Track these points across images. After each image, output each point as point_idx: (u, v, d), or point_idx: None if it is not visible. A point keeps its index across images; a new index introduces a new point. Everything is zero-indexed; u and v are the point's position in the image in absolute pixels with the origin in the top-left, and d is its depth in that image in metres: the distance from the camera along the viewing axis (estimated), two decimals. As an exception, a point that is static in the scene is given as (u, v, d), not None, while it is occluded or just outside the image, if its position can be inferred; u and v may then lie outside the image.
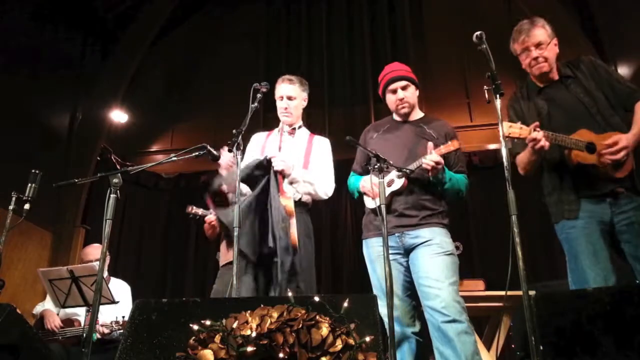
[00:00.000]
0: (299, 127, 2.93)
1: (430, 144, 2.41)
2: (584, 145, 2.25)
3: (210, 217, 3.13)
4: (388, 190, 2.41)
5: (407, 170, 2.42)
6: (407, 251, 2.44)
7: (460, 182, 2.54)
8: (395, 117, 2.74)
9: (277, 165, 2.52)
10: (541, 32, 2.40)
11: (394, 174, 2.46)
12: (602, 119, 2.30)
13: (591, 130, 2.27)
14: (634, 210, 2.19)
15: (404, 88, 2.63)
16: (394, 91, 2.64)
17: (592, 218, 2.25)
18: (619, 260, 2.24)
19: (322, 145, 2.91)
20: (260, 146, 2.89)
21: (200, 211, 3.39)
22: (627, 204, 2.21)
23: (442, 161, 2.39)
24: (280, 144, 2.84)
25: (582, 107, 2.34)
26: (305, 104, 2.97)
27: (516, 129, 2.23)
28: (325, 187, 2.77)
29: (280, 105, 2.84)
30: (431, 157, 2.37)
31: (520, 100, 2.53)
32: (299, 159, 2.76)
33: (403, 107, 2.64)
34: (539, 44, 2.39)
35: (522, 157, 2.43)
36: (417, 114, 2.72)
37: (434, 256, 2.33)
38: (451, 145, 2.43)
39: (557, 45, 2.45)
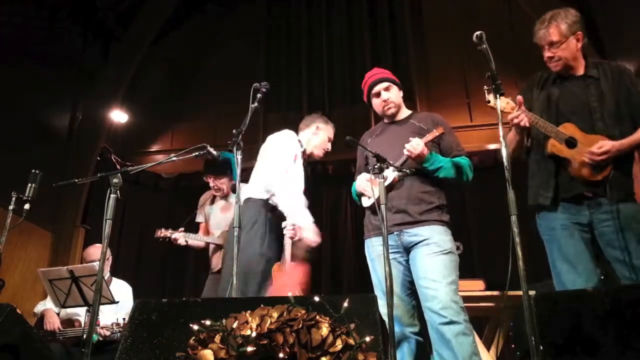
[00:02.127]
0: None
1: (410, 139, 2.44)
2: (564, 137, 2.24)
3: (177, 236, 3.78)
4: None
5: (407, 171, 2.42)
6: (407, 250, 2.43)
7: (461, 165, 2.51)
8: (385, 120, 2.78)
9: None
10: (554, 31, 2.34)
11: (387, 171, 2.47)
12: (603, 127, 2.25)
13: (579, 128, 2.25)
14: (610, 212, 2.17)
15: (386, 89, 2.67)
16: (378, 94, 2.68)
17: (570, 220, 2.24)
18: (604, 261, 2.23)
19: None
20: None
21: (169, 233, 3.85)
22: (604, 206, 2.19)
23: (422, 147, 2.39)
24: None
25: (588, 110, 2.30)
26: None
27: (502, 102, 2.23)
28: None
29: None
30: (409, 144, 2.41)
31: (533, 89, 2.49)
32: None
33: (389, 108, 2.67)
34: (552, 43, 2.35)
35: (509, 135, 2.43)
36: (405, 113, 2.75)
37: (431, 256, 2.32)
38: (436, 132, 2.47)
39: (580, 40, 2.36)
